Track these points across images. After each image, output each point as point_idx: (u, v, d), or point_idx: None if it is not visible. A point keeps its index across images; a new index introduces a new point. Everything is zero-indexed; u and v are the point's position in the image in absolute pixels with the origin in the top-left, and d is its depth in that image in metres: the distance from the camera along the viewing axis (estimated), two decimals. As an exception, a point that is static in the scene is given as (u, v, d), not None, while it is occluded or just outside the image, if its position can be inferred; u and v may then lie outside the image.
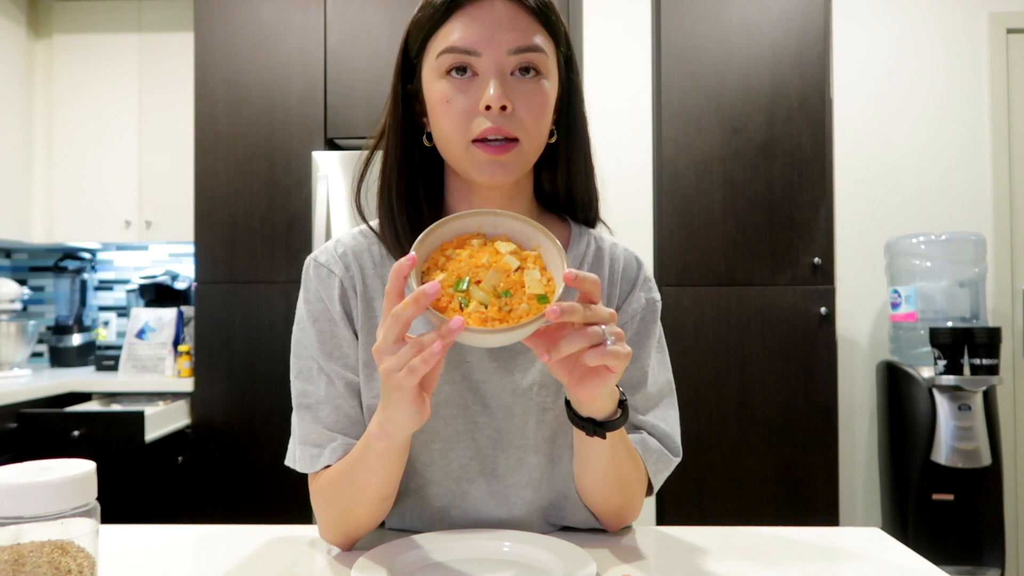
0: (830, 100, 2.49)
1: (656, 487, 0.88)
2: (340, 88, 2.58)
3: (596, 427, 0.72)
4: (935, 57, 2.84)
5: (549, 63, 0.78)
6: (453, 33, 0.75)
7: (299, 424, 0.83)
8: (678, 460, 0.88)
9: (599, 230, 0.94)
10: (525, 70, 0.76)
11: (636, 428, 0.87)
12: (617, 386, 0.74)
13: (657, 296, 0.91)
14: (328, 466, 0.81)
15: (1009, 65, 2.82)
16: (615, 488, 0.82)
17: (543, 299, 0.63)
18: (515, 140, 0.76)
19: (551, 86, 0.79)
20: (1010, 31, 2.82)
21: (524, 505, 0.85)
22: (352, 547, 0.82)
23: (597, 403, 0.70)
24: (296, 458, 0.84)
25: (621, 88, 2.68)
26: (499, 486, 0.85)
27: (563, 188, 0.89)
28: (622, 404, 0.74)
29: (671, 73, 2.52)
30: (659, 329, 0.90)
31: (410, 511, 0.88)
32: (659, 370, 0.89)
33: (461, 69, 0.76)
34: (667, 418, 0.88)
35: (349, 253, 0.86)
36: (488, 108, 0.74)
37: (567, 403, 0.74)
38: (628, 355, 0.65)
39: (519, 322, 0.62)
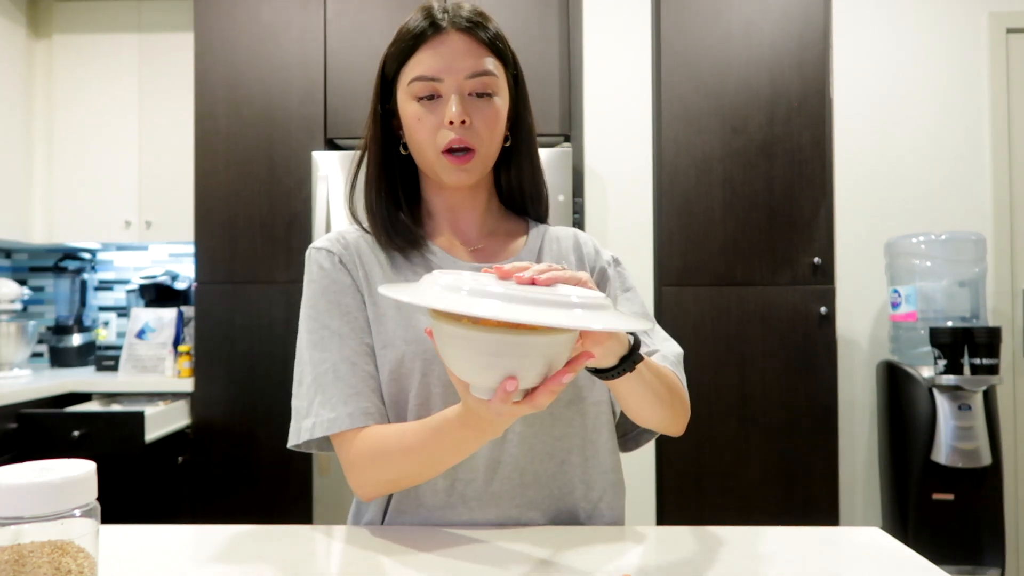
0: (830, 100, 2.49)
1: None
2: (340, 88, 2.59)
3: (620, 367, 0.79)
4: (935, 57, 2.84)
5: (500, 83, 0.95)
6: (420, 64, 0.92)
7: (318, 392, 0.90)
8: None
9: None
10: (480, 93, 0.92)
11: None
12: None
13: (616, 255, 1.08)
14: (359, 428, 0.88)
15: (1009, 65, 2.82)
16: (658, 406, 0.89)
17: None
18: (474, 150, 0.93)
19: (502, 102, 0.96)
20: (1010, 31, 2.82)
21: (517, 440, 0.91)
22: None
23: (610, 355, 0.77)
24: (317, 424, 0.88)
25: (621, 88, 2.68)
26: None
27: (515, 184, 1.04)
28: (630, 336, 0.81)
29: (671, 73, 2.52)
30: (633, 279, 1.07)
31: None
32: (645, 312, 1.04)
33: (429, 93, 0.92)
34: (671, 346, 1.00)
35: (346, 237, 0.99)
36: (451, 123, 0.90)
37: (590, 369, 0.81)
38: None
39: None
